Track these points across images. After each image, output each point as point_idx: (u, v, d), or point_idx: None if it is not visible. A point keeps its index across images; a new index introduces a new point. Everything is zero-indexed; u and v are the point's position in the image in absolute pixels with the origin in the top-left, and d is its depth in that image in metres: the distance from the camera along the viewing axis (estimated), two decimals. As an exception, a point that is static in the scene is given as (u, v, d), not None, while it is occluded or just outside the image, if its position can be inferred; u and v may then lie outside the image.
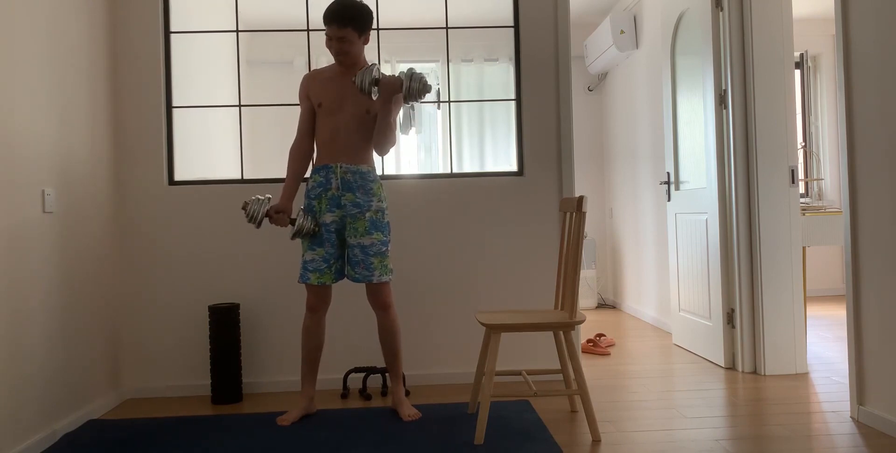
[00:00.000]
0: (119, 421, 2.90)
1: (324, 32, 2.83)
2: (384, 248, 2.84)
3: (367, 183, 2.84)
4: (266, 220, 2.85)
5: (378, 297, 2.86)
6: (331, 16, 2.71)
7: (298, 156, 2.90)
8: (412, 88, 2.70)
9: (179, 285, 3.37)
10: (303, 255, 2.87)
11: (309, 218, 2.81)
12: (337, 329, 3.43)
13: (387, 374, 3.36)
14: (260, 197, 2.83)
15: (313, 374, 2.91)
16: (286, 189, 2.87)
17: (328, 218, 2.82)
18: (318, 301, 2.87)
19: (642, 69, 5.25)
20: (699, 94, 3.84)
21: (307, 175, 2.96)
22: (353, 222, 2.82)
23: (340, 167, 2.81)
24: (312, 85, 2.87)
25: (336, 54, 2.78)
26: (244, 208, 2.81)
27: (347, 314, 3.43)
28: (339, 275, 2.88)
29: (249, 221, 2.80)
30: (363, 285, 3.43)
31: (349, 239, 2.82)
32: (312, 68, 3.56)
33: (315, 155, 2.91)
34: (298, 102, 2.91)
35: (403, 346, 3.45)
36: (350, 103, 2.82)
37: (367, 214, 2.82)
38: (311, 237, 2.83)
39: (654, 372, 3.59)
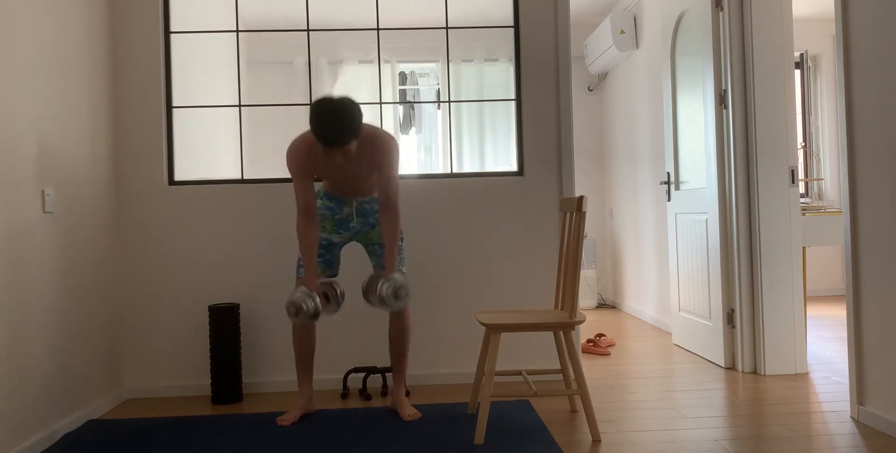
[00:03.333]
0: (119, 421, 2.90)
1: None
2: (397, 245, 2.84)
3: (375, 205, 2.94)
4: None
5: None
6: (333, 140, 2.51)
7: (309, 232, 2.74)
8: (382, 296, 2.67)
9: (179, 285, 3.37)
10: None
11: (335, 290, 2.84)
12: (337, 329, 3.43)
13: (387, 374, 3.36)
14: (298, 294, 2.69)
15: (309, 373, 2.92)
16: (311, 265, 2.74)
17: (335, 238, 2.91)
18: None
19: (642, 69, 5.25)
20: (699, 94, 3.84)
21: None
22: (365, 235, 2.94)
23: (356, 200, 2.89)
24: (315, 168, 2.75)
25: (339, 158, 2.62)
26: (297, 314, 2.65)
27: (347, 314, 3.43)
28: (335, 270, 2.93)
29: (311, 318, 2.69)
30: (361, 286, 3.42)
31: (366, 246, 2.97)
32: (312, 68, 3.56)
33: (326, 185, 2.90)
34: (295, 178, 2.73)
35: (403, 346, 3.46)
36: (353, 183, 2.83)
37: (377, 227, 2.94)
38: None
39: (654, 372, 3.59)
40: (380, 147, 2.71)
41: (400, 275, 2.72)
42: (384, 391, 3.30)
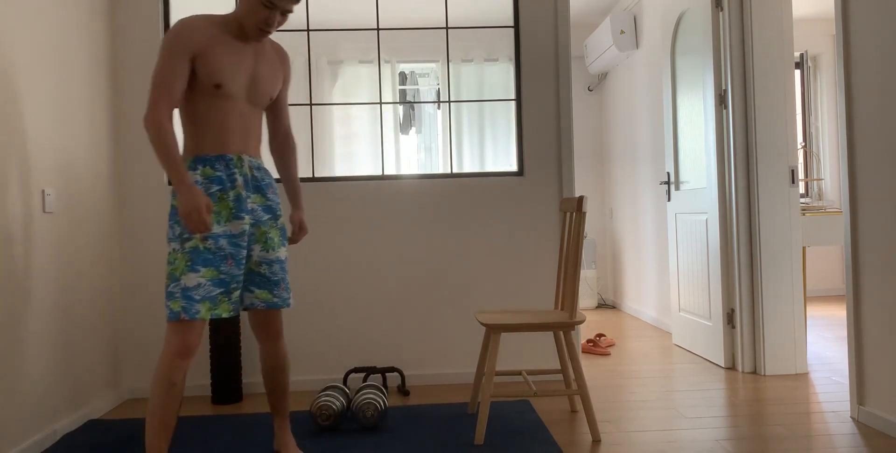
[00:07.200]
0: (119, 421, 2.90)
1: (281, 12, 2.10)
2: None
3: (272, 182, 2.25)
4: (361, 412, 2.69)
5: (276, 325, 2.30)
6: None
7: (167, 127, 2.01)
8: (355, 408, 2.69)
9: (179, 285, 3.36)
10: (178, 279, 2.04)
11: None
12: (336, 329, 3.43)
13: (387, 374, 3.36)
14: (323, 397, 2.71)
15: (166, 441, 2.04)
16: (185, 172, 2.01)
17: (236, 227, 2.11)
18: (195, 344, 2.07)
19: (642, 69, 5.25)
20: (699, 94, 3.84)
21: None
22: (266, 231, 2.19)
23: (247, 161, 2.16)
24: (207, 51, 2.06)
25: (274, 28, 2.10)
26: (327, 419, 2.67)
27: (347, 313, 3.43)
28: (238, 305, 2.17)
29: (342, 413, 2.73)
30: (365, 280, 3.42)
31: (264, 253, 2.18)
32: (312, 68, 3.56)
33: (198, 140, 2.12)
34: (168, 55, 2.02)
35: (404, 346, 3.45)
36: (259, 93, 2.17)
37: (280, 221, 2.25)
38: (193, 253, 2.05)
39: (654, 372, 3.59)
40: (287, 59, 2.27)
41: (374, 394, 2.71)
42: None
